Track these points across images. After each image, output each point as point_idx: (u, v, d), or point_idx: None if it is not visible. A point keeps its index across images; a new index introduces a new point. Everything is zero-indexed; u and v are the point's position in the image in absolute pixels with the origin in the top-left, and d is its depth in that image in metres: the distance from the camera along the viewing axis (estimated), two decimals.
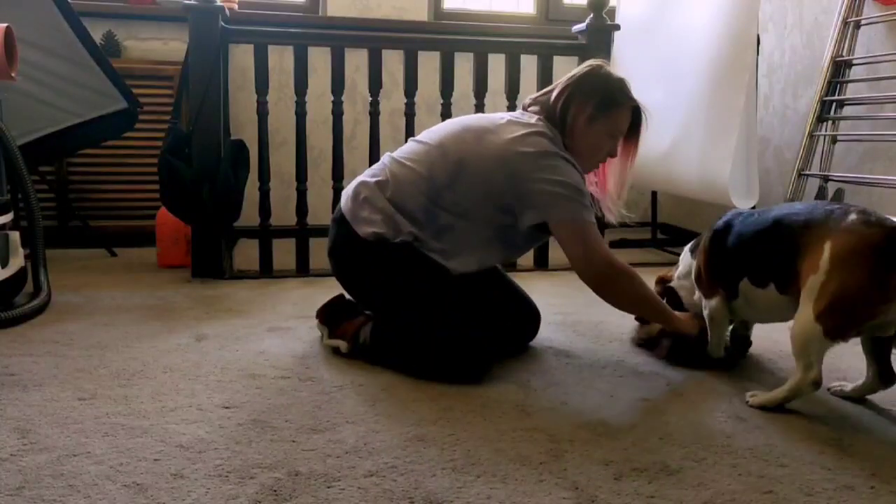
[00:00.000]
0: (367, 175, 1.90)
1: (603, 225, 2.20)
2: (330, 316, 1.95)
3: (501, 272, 2.07)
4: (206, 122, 2.67)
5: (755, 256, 1.64)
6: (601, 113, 1.83)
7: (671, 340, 1.88)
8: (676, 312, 1.87)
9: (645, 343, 1.98)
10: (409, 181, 1.81)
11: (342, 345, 1.87)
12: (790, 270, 1.53)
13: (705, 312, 1.80)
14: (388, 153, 1.93)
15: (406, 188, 1.81)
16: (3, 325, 2.06)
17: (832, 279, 1.43)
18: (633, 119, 1.90)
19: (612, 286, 1.77)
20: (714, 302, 1.77)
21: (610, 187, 1.98)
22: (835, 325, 1.44)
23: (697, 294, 1.85)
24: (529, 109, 1.89)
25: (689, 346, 1.84)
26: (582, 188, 1.76)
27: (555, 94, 1.86)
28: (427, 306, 1.77)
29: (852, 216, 1.47)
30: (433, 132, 1.88)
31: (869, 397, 1.64)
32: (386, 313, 1.85)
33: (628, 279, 1.76)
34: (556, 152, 1.76)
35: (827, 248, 1.44)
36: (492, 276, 2.00)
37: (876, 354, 1.59)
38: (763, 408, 1.56)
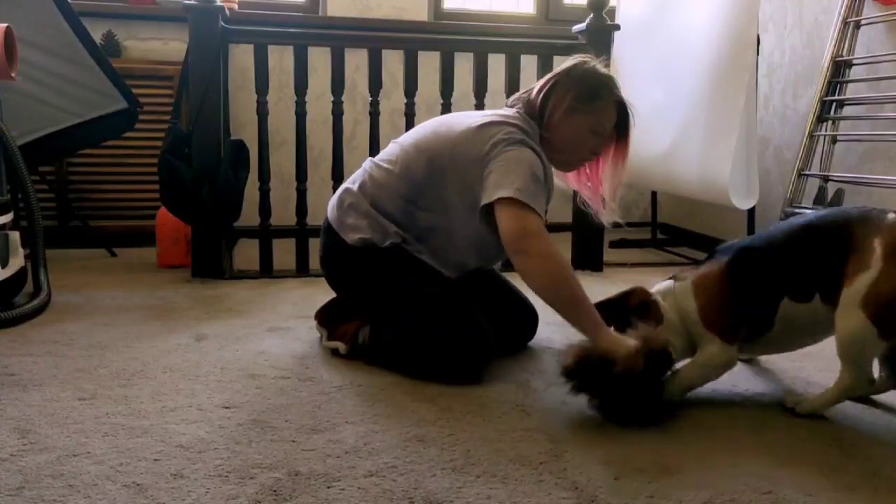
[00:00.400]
0: (350, 181, 1.92)
1: (598, 226, 2.14)
2: (328, 317, 1.95)
3: (497, 273, 2.07)
4: (206, 122, 2.67)
5: (795, 266, 1.48)
6: (581, 105, 1.76)
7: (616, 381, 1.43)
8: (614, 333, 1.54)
9: (576, 371, 1.47)
10: (387, 183, 1.82)
11: (341, 346, 1.87)
12: (838, 272, 1.42)
13: (715, 359, 1.54)
14: (368, 158, 1.95)
15: (385, 189, 1.82)
16: (3, 325, 2.06)
17: (887, 276, 1.36)
18: (620, 118, 1.82)
19: (532, 257, 1.60)
20: (734, 350, 1.55)
21: (603, 190, 1.92)
22: (892, 323, 1.37)
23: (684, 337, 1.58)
24: (512, 105, 1.85)
25: (633, 385, 1.43)
26: (538, 176, 1.68)
27: (537, 87, 1.83)
28: (417, 308, 1.77)
29: (892, 214, 1.41)
30: (412, 132, 1.89)
31: (873, 397, 1.63)
32: (380, 316, 1.86)
33: (553, 256, 1.59)
34: (520, 139, 1.71)
35: (877, 244, 1.37)
36: (487, 277, 2.00)
37: (889, 356, 1.55)
38: (813, 414, 1.47)
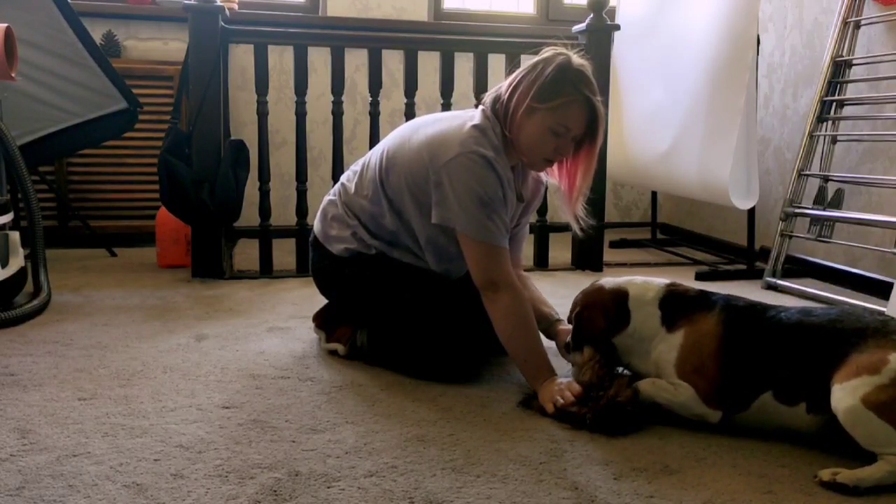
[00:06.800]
0: (332, 193, 1.93)
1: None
2: (326, 320, 1.95)
3: None
4: (206, 122, 2.67)
5: (787, 367, 1.38)
6: (541, 104, 1.65)
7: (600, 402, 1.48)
8: (559, 380, 1.59)
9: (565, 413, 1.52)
10: (355, 188, 1.84)
11: (340, 348, 1.88)
12: (827, 384, 1.32)
13: (690, 409, 1.46)
14: (350, 166, 1.95)
15: (354, 196, 1.83)
16: (3, 325, 2.06)
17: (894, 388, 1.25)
18: (589, 115, 1.68)
19: (497, 304, 1.65)
20: (718, 416, 1.45)
21: (564, 191, 1.81)
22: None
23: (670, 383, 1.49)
24: (485, 100, 1.79)
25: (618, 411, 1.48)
26: (490, 198, 1.64)
27: (506, 83, 1.74)
28: (409, 313, 1.78)
29: None
30: (389, 136, 1.87)
31: None
32: (374, 321, 1.86)
33: (517, 300, 1.65)
34: (473, 152, 1.64)
35: (894, 358, 1.27)
36: None
37: None
38: (857, 486, 1.25)
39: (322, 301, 2.02)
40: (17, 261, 2.32)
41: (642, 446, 1.40)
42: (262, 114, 2.79)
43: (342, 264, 1.83)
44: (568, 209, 1.82)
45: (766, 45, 3.21)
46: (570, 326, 1.78)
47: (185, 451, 1.33)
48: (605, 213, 3.29)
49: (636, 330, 1.55)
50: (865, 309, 1.46)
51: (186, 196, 2.61)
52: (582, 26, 2.98)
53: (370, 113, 2.88)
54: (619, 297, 1.58)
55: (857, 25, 2.79)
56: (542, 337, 1.72)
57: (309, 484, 1.22)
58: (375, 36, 3.17)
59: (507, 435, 1.43)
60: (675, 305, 1.53)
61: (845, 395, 1.28)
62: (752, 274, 2.95)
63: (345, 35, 3.14)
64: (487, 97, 1.78)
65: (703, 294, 1.54)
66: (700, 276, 2.90)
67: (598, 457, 1.35)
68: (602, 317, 1.58)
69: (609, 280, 1.64)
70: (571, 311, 1.67)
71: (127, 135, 3.11)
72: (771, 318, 1.44)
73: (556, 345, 1.86)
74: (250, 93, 2.94)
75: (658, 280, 1.60)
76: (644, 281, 1.60)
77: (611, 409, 1.45)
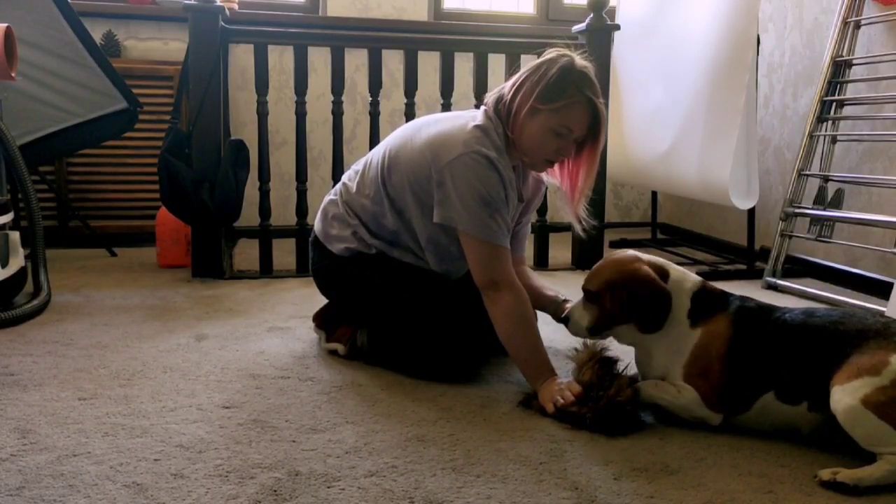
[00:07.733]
0: (333, 192, 1.94)
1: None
2: (326, 320, 1.95)
3: None
4: (206, 122, 2.67)
5: (790, 367, 1.40)
6: (544, 105, 1.65)
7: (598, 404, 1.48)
8: (559, 380, 1.59)
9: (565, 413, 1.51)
10: (357, 188, 1.84)
11: (340, 348, 1.88)
12: (829, 384, 1.34)
13: (691, 412, 1.47)
14: (352, 166, 1.95)
15: (356, 195, 1.83)
16: (3, 325, 2.06)
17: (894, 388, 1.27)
18: (593, 118, 1.70)
19: (498, 304, 1.65)
20: (719, 419, 1.46)
21: (566, 191, 1.83)
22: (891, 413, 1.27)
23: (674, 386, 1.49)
24: (487, 100, 1.79)
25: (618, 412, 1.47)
26: (492, 197, 1.64)
27: (509, 84, 1.74)
28: (408, 312, 1.78)
29: None
30: (391, 136, 1.87)
31: None
32: (374, 321, 1.86)
33: (519, 300, 1.65)
34: (476, 152, 1.64)
35: (894, 361, 1.29)
36: None
37: None
38: (857, 486, 1.25)
39: (322, 301, 2.02)
40: (17, 261, 2.32)
41: (642, 446, 1.40)
42: (262, 114, 2.79)
43: (342, 264, 1.83)
44: (570, 210, 1.84)
45: (766, 45, 3.21)
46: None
47: (185, 451, 1.33)
48: (606, 213, 3.29)
49: None
50: (867, 310, 1.46)
51: (186, 196, 2.61)
52: (582, 26, 2.98)
53: (370, 113, 2.88)
54: (661, 275, 1.57)
55: (857, 25, 2.79)
56: (544, 333, 1.72)
57: (309, 484, 1.22)
58: (375, 36, 3.17)
59: (507, 435, 1.43)
60: (704, 301, 1.53)
61: (845, 395, 1.28)
62: (752, 274, 2.95)
63: (345, 35, 3.15)
64: (490, 97, 1.78)
65: (725, 295, 1.55)
66: (700, 277, 2.90)
67: (598, 457, 1.35)
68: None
69: (641, 255, 1.63)
70: (589, 281, 1.61)
71: (127, 135, 3.11)
72: (776, 320, 1.45)
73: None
74: (250, 93, 2.94)
75: (691, 273, 1.61)
76: (681, 269, 1.61)
77: (611, 409, 1.45)
